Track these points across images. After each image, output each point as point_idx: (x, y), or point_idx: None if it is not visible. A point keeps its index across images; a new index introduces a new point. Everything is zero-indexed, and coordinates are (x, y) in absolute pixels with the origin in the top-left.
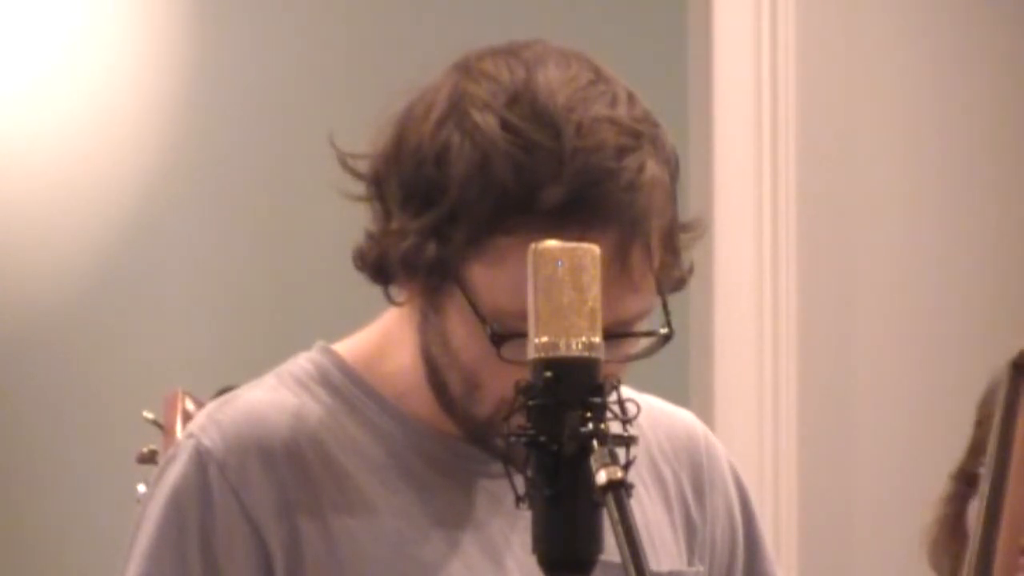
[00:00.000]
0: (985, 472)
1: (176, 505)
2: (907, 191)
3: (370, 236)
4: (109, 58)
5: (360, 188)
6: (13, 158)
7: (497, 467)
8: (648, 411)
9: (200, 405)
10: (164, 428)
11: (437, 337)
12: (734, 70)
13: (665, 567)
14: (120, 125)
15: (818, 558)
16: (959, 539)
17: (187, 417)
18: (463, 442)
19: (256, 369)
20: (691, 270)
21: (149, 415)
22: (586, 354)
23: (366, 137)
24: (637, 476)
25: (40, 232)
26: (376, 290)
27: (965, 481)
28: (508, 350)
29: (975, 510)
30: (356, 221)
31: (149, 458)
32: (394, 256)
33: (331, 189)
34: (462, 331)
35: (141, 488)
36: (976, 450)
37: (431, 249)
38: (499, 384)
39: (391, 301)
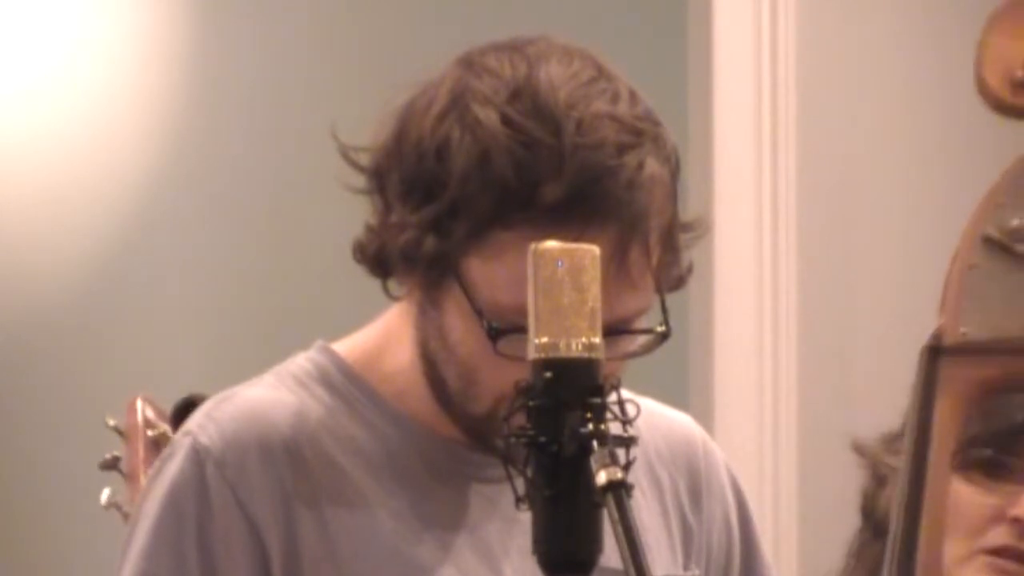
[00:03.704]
0: (903, 462)
1: (173, 503)
2: (907, 191)
3: (370, 229)
4: (109, 58)
5: (361, 182)
6: (13, 158)
7: (493, 471)
8: (646, 415)
9: (159, 412)
10: (125, 435)
11: (435, 331)
12: (734, 70)
13: (660, 572)
14: (120, 125)
15: (818, 560)
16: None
17: (148, 424)
18: (460, 445)
19: (255, 373)
20: (690, 269)
21: (111, 421)
22: (586, 354)
23: (367, 136)
24: (634, 480)
25: (39, 233)
26: (375, 295)
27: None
28: (505, 345)
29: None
30: (357, 225)
31: (112, 464)
32: (393, 249)
33: (331, 193)
34: (460, 326)
35: (107, 491)
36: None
37: (430, 243)
38: (496, 380)
39: (389, 295)
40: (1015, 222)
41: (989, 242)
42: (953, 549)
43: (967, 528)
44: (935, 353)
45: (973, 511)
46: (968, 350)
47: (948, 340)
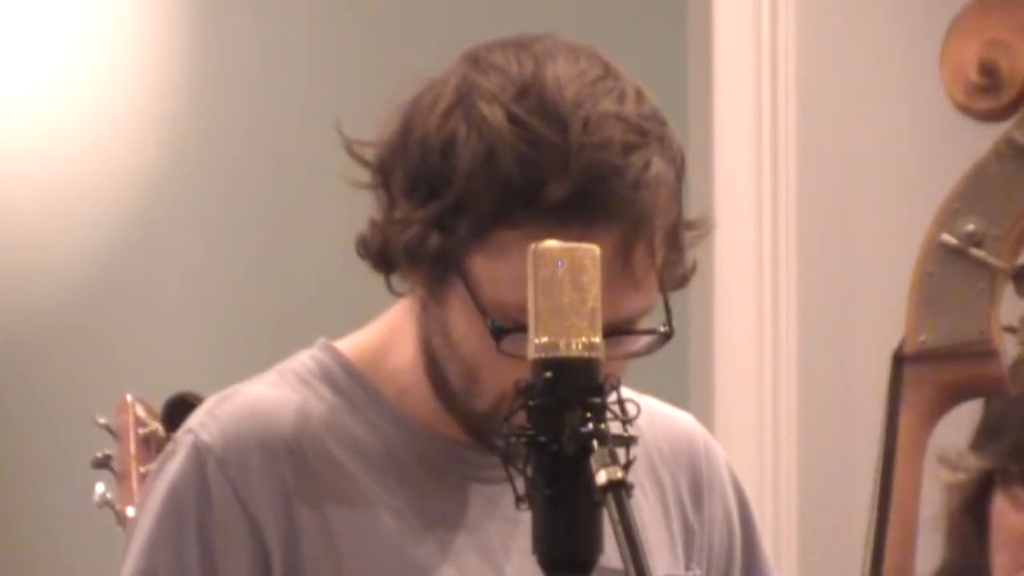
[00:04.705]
0: (875, 468)
1: (174, 500)
2: (907, 191)
3: (374, 225)
4: (109, 58)
5: (365, 178)
6: (13, 158)
7: (494, 471)
8: (647, 414)
9: (150, 410)
10: (116, 433)
11: (438, 329)
12: (734, 70)
13: (661, 572)
14: (120, 125)
15: (818, 558)
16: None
17: (139, 422)
18: (460, 445)
19: (254, 373)
20: (694, 268)
21: (101, 419)
22: (586, 354)
23: (369, 134)
24: (635, 479)
25: (39, 233)
26: (375, 297)
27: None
28: (509, 343)
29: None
30: (358, 225)
31: (103, 463)
32: (397, 245)
33: (331, 193)
34: (463, 323)
35: (99, 488)
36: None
37: (434, 240)
38: (499, 378)
39: (393, 291)
40: (970, 227)
41: (945, 248)
42: (1000, 562)
43: (1010, 543)
44: (898, 361)
45: (1015, 526)
46: (927, 357)
47: (908, 348)
